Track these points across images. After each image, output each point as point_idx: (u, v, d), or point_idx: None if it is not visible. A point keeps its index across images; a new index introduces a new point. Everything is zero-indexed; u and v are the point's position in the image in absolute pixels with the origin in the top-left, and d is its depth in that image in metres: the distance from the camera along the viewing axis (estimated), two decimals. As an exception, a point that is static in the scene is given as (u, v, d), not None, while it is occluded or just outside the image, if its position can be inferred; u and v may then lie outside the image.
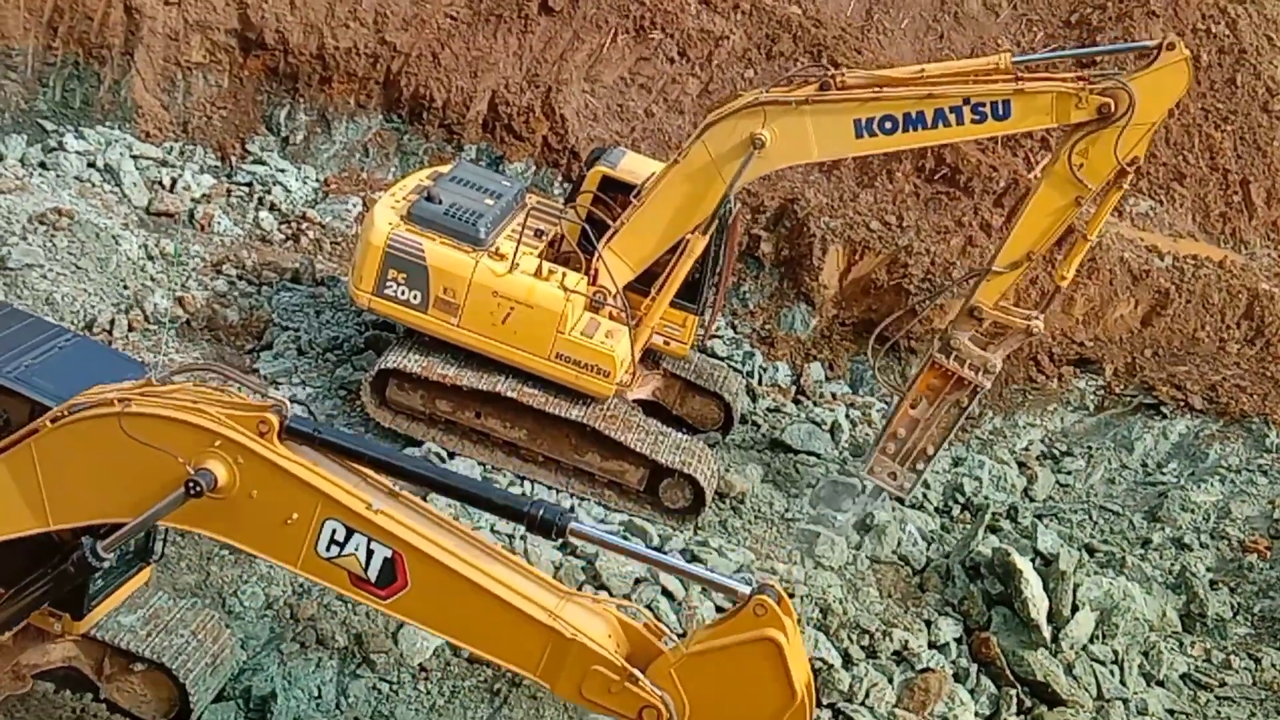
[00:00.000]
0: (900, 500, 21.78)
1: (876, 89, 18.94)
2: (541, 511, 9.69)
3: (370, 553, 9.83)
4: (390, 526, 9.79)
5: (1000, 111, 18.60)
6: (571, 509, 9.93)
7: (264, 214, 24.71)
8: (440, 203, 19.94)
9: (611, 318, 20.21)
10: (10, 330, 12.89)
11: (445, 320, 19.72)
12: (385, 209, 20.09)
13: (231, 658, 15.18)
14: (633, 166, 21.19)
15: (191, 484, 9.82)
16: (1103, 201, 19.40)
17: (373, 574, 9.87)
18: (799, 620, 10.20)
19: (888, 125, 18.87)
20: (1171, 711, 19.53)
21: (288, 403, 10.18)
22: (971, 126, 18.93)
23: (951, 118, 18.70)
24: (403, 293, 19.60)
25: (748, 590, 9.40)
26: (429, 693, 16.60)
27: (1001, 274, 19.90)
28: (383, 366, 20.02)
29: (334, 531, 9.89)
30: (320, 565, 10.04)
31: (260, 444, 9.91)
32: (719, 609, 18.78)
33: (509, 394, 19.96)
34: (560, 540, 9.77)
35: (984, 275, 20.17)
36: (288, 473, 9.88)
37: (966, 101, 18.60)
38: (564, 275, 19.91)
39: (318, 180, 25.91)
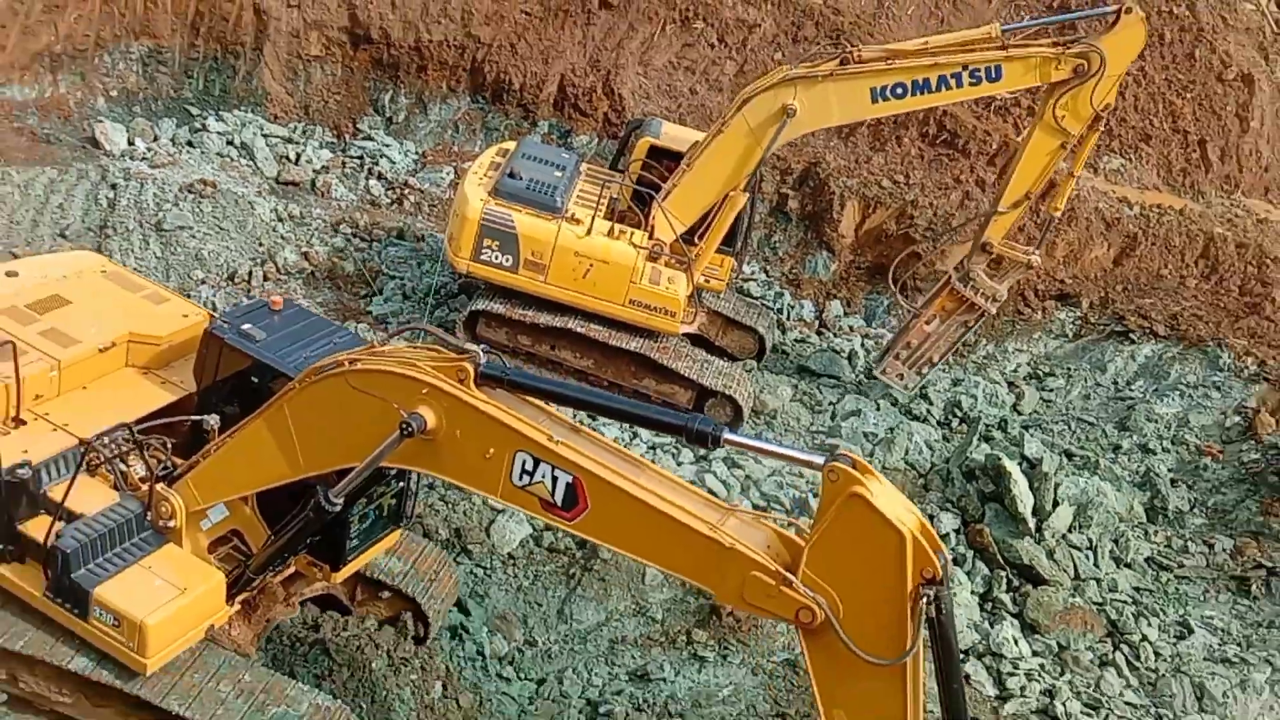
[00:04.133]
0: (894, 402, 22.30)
1: (888, 60, 18.93)
2: (697, 424, 9.30)
3: (555, 479, 9.64)
4: (569, 455, 9.59)
5: (993, 75, 18.73)
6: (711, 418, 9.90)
7: (373, 182, 24.81)
8: (521, 179, 19.93)
9: (667, 265, 20.23)
10: (297, 326, 12.79)
11: (535, 278, 19.80)
12: (473, 186, 19.99)
13: (455, 585, 15.04)
14: (674, 135, 21.18)
15: (405, 425, 9.83)
16: (1083, 144, 19.61)
17: (558, 498, 9.67)
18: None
19: (899, 91, 18.91)
20: (1137, 589, 19.51)
21: (480, 352, 10.03)
22: (969, 88, 19.00)
23: (952, 81, 18.77)
24: (497, 258, 19.64)
25: (821, 460, 8.85)
26: (516, 576, 16.83)
27: (1005, 213, 20.25)
28: (473, 309, 20.19)
29: (524, 462, 9.72)
30: (515, 493, 9.89)
31: (459, 389, 9.84)
32: (756, 506, 18.93)
33: (578, 330, 20.08)
34: (715, 447, 9.20)
35: (991, 216, 20.42)
36: (483, 412, 9.78)
37: (965, 68, 18.67)
38: (631, 234, 19.95)
39: (417, 153, 25.95)
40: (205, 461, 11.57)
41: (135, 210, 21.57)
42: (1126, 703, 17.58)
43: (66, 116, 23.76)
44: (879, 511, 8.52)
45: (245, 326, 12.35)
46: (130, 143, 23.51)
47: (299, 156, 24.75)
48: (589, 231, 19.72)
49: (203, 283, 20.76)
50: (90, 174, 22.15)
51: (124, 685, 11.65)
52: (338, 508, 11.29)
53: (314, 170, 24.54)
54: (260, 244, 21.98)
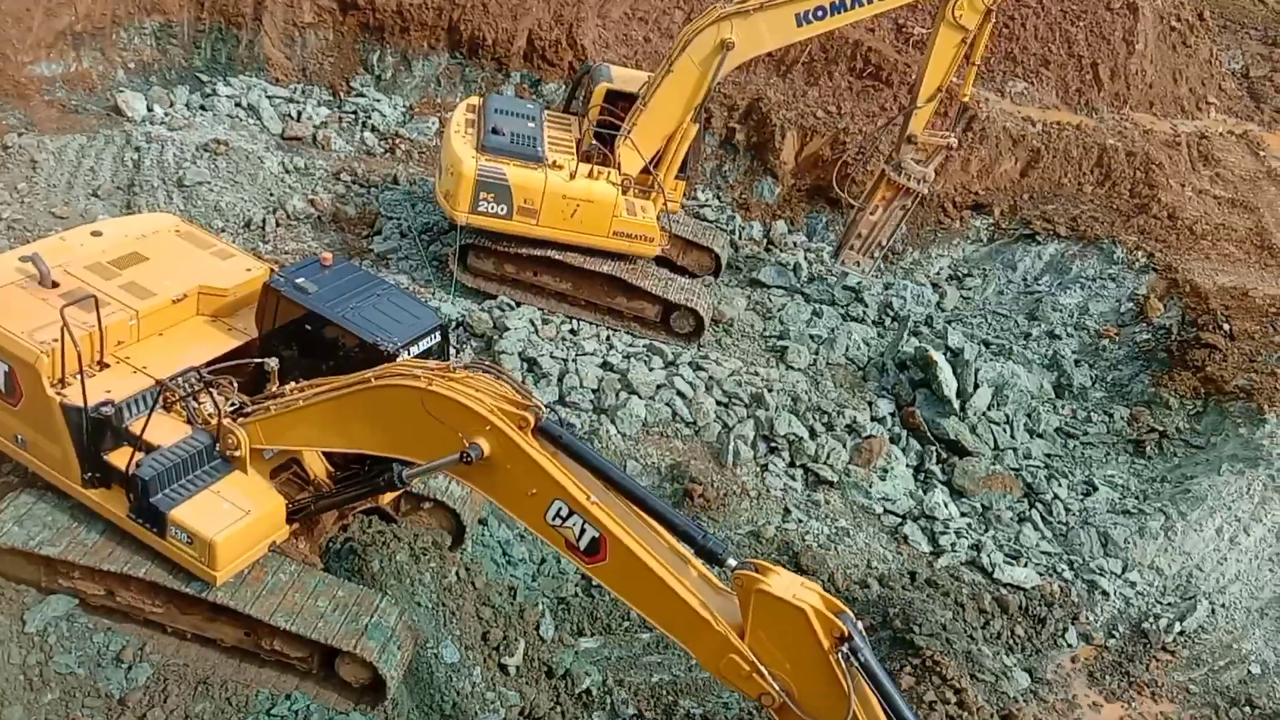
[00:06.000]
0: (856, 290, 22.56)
1: None
2: (710, 543, 9.65)
3: (583, 530, 9.85)
4: (600, 516, 9.77)
5: None
6: (725, 540, 10.06)
7: (367, 134, 24.48)
8: (504, 134, 19.68)
9: (636, 196, 20.16)
10: (344, 280, 12.95)
11: (528, 222, 19.59)
12: (462, 145, 19.58)
13: (484, 501, 15.03)
14: (624, 77, 20.97)
15: (465, 454, 10.04)
16: (979, 36, 19.92)
17: (583, 545, 9.89)
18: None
19: (819, 13, 19.10)
20: (1048, 455, 19.88)
21: (544, 406, 10.21)
22: (879, 3, 19.37)
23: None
24: (493, 208, 19.34)
25: (733, 564, 9.36)
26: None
27: (923, 107, 20.63)
28: (464, 242, 20.08)
29: (560, 509, 9.91)
30: (546, 529, 10.08)
31: (519, 436, 9.97)
32: (719, 403, 19.13)
33: (557, 257, 20.04)
34: (721, 566, 9.77)
35: (911, 111, 20.78)
36: (535, 461, 9.91)
37: None
38: (609, 173, 19.81)
39: (405, 106, 25.58)
40: (275, 413, 11.68)
41: (158, 169, 21.27)
42: (1042, 552, 18.02)
43: (91, 89, 23.26)
44: (781, 599, 9.01)
45: (299, 280, 12.64)
46: (149, 109, 23.08)
47: (300, 114, 24.36)
48: (572, 176, 19.57)
49: (222, 231, 20.56)
50: (116, 139, 21.79)
51: (237, 605, 11.89)
52: (408, 487, 11.69)
53: (314, 126, 24.18)
54: (271, 194, 21.74)
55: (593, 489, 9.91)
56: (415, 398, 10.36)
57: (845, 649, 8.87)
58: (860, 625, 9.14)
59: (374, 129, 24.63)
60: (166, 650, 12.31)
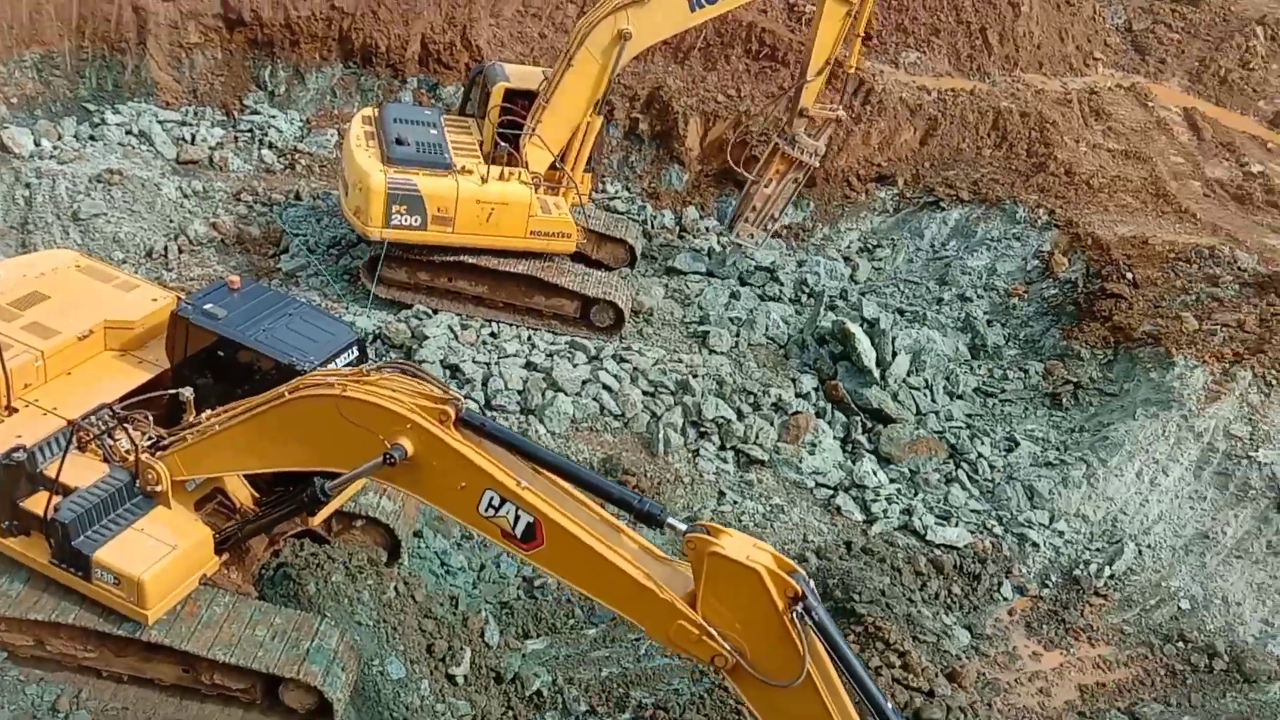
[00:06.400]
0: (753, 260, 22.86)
1: None
2: (646, 506, 9.55)
3: (518, 517, 9.72)
4: (532, 500, 9.65)
5: None
6: (659, 503, 10.08)
7: (265, 151, 24.06)
8: (409, 144, 19.41)
9: (548, 194, 20.08)
10: (254, 302, 12.69)
11: (443, 231, 19.35)
12: (366, 158, 19.19)
13: (416, 510, 14.95)
14: (520, 74, 20.83)
15: (388, 456, 9.85)
16: (863, 8, 20.54)
17: (518, 532, 9.76)
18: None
19: None
20: (969, 415, 20.25)
21: (461, 398, 10.06)
22: None
23: None
24: (406, 220, 19.05)
25: (684, 528, 9.26)
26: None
27: (813, 81, 21.27)
28: (374, 253, 19.83)
29: (491, 499, 9.77)
30: (480, 521, 9.93)
31: (440, 430, 9.81)
32: (645, 393, 19.19)
33: (471, 260, 19.90)
34: (660, 527, 9.62)
35: (801, 86, 21.20)
36: (460, 454, 9.78)
37: None
38: (519, 173, 19.66)
39: (302, 120, 25.19)
40: (192, 440, 11.44)
41: (52, 205, 20.67)
42: (972, 510, 18.39)
43: (-28, 127, 22.55)
44: (734, 560, 8.94)
45: (208, 307, 12.38)
46: (37, 144, 22.40)
47: (194, 137, 23.86)
48: (484, 180, 19.39)
49: (124, 262, 20.06)
50: (5, 177, 21.09)
51: (172, 643, 11.65)
52: (331, 499, 11.41)
53: (210, 148, 23.70)
54: (171, 221, 21.27)
55: (522, 474, 9.84)
56: (331, 406, 10.21)
57: (799, 608, 8.89)
58: (812, 584, 9.14)
59: (271, 145, 24.21)
60: (104, 695, 12.01)
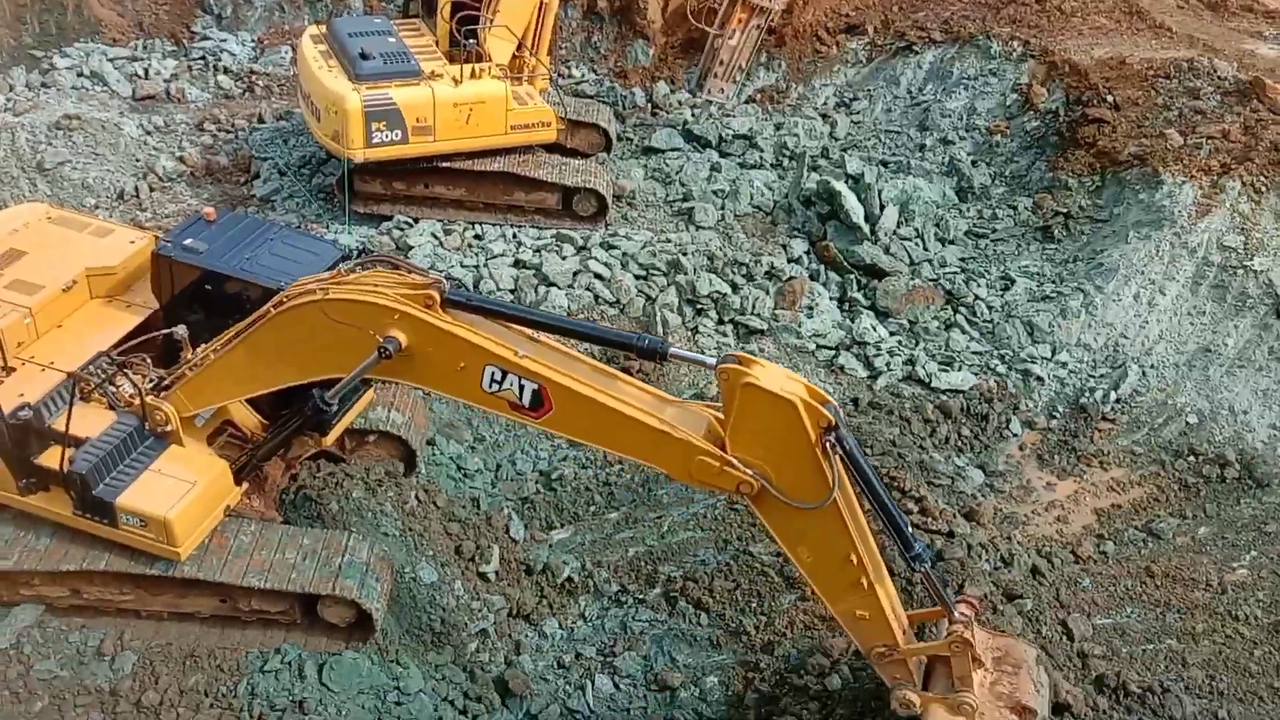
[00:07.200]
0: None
1: None
2: (648, 342, 9.56)
3: (522, 387, 9.74)
4: (533, 367, 9.66)
5: None
6: (665, 339, 10.09)
7: (221, 77, 23.56)
8: (374, 57, 18.91)
9: (515, 84, 19.72)
10: (233, 231, 12.57)
11: (425, 140, 19.00)
12: (332, 79, 18.68)
13: (428, 420, 15.03)
14: None
15: (382, 349, 9.84)
16: None
17: (526, 401, 9.79)
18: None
19: None
20: (963, 259, 20.24)
21: (445, 280, 9.98)
22: None
23: None
24: (387, 136, 18.68)
25: (713, 363, 9.29)
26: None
27: None
28: (347, 167, 19.54)
29: (493, 374, 9.78)
30: (487, 398, 9.96)
31: (428, 314, 9.81)
32: (638, 277, 19.14)
33: (444, 164, 19.64)
34: (664, 361, 9.71)
35: None
36: (454, 334, 9.77)
37: None
38: (490, 68, 19.25)
39: (253, 41, 24.62)
40: (192, 374, 11.47)
41: (14, 158, 20.28)
42: (974, 353, 18.52)
43: (-81, 88, 22.05)
44: (770, 391, 9.03)
45: (188, 242, 12.28)
46: (-11, 98, 21.98)
47: (147, 71, 23.33)
48: (457, 81, 18.95)
49: (96, 208, 19.81)
50: (-39, 136, 20.74)
51: (207, 576, 11.80)
52: (333, 408, 11.44)
53: (165, 80, 23.19)
54: (137, 160, 20.91)
55: (519, 344, 9.90)
56: (317, 311, 10.23)
57: (832, 438, 9.09)
58: (843, 413, 9.24)
59: (226, 70, 23.71)
60: (146, 634, 12.27)
